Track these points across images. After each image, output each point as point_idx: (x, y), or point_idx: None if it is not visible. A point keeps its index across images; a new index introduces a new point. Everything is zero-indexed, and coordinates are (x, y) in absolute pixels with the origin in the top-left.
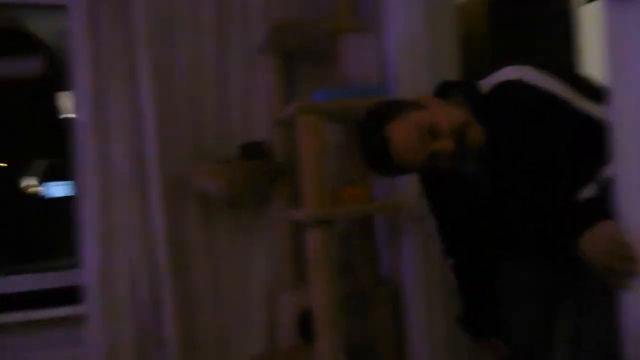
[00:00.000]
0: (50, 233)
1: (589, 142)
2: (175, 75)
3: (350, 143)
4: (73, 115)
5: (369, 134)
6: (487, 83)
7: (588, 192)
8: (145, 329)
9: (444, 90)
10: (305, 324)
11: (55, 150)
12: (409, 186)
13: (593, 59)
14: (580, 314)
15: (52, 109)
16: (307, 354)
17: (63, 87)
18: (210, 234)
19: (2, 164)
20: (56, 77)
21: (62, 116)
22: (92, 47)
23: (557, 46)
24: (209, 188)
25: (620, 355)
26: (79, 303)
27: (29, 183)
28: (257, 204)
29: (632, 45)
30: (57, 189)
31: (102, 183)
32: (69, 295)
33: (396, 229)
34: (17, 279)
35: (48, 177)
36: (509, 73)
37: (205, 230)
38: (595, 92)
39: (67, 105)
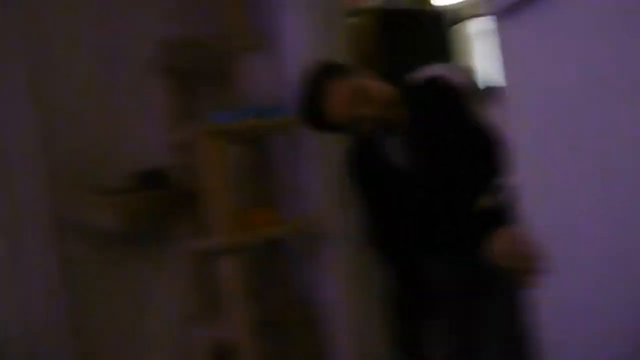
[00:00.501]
0: None
1: (491, 147)
2: (55, 97)
3: (254, 164)
4: None
5: (309, 87)
6: (416, 77)
7: (491, 198)
8: None
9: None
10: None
11: None
12: (319, 203)
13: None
14: (494, 309)
15: None
16: None
17: None
18: (105, 271)
19: None
20: None
21: None
22: None
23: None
24: (100, 222)
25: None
26: None
27: None
28: (157, 236)
29: (523, 57)
30: None
31: None
32: None
33: (309, 249)
34: None
35: None
36: (436, 70)
37: (99, 268)
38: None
39: None
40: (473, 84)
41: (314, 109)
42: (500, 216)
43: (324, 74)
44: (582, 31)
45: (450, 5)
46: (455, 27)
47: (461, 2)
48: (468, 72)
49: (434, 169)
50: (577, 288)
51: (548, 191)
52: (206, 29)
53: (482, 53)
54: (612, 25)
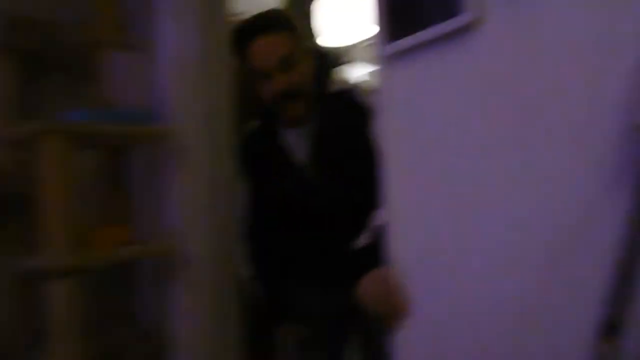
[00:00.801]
0: None
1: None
2: None
3: (110, 174)
4: None
5: (239, 36)
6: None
7: (364, 238)
8: None
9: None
10: None
11: None
12: (180, 223)
13: None
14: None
15: None
16: None
17: None
18: None
19: None
20: None
21: None
22: None
23: None
24: None
25: None
26: None
27: None
28: None
29: (405, 103)
30: None
31: None
32: None
33: (164, 274)
34: None
35: None
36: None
37: None
38: None
39: None
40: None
41: (244, 37)
42: (373, 255)
43: (257, 26)
44: (457, 88)
45: (336, 46)
46: (339, 69)
47: (348, 45)
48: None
49: (333, 178)
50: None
51: (418, 225)
52: (73, 15)
53: None
54: (483, 89)
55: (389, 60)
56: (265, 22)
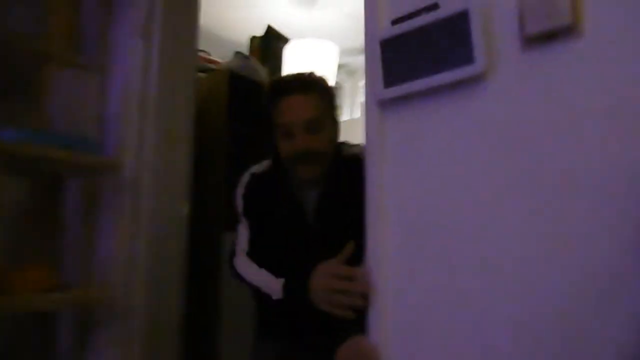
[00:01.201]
0: None
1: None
2: None
3: (38, 206)
4: None
5: (272, 90)
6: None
7: None
8: None
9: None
10: None
11: None
12: (113, 269)
13: None
14: None
15: None
16: None
17: None
18: None
19: None
20: None
21: None
22: None
23: None
24: None
25: None
26: None
27: None
28: None
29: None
30: None
31: None
32: None
33: (91, 326)
34: None
35: None
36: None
37: None
38: None
39: None
40: None
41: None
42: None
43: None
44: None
45: None
46: None
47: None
48: None
49: (338, 237)
50: None
51: (411, 288)
52: (20, 22)
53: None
54: (491, 142)
55: (383, 106)
56: (301, 82)
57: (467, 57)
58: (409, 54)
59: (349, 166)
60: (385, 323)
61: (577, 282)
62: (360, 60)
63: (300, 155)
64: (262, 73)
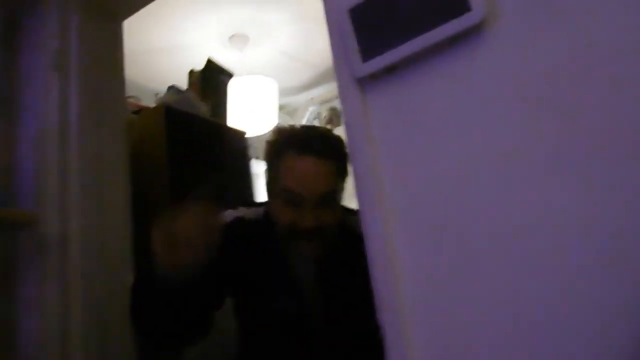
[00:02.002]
0: None
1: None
2: None
3: None
4: None
5: (283, 141)
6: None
7: None
8: None
9: None
10: None
11: None
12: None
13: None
14: None
15: None
16: None
17: None
18: None
19: None
20: None
21: None
22: None
23: (232, 167)
24: None
25: None
26: None
27: None
28: None
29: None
30: None
31: None
32: None
33: None
34: None
35: None
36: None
37: None
38: None
39: None
40: None
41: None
42: None
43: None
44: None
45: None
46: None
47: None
48: None
49: (337, 312)
50: None
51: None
52: None
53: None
54: (501, 104)
55: (363, 85)
56: (322, 142)
57: (460, 6)
58: (387, 17)
59: (350, 239)
60: (409, 341)
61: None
62: (299, 99)
63: (306, 231)
64: (202, 107)
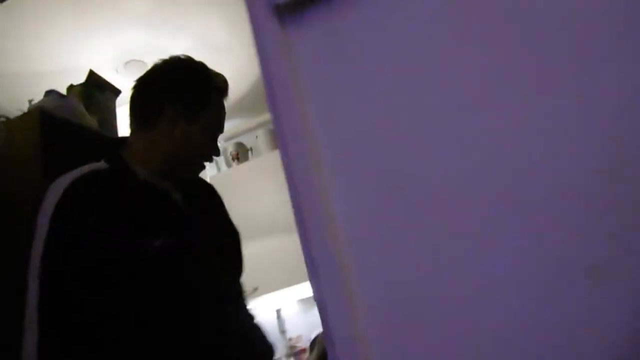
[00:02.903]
0: None
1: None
2: None
3: None
4: None
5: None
6: None
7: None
8: None
9: None
10: None
11: None
12: None
13: None
14: None
15: None
16: None
17: None
18: None
19: None
20: None
21: None
22: None
23: None
24: None
25: None
26: None
27: None
28: None
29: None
30: None
31: None
32: None
33: None
34: None
35: None
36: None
37: None
38: None
39: None
40: None
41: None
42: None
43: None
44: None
45: None
46: None
47: None
48: None
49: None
50: None
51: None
52: None
53: None
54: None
55: (282, 14)
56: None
57: None
58: None
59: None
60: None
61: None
62: None
63: (210, 159)
64: (89, 120)
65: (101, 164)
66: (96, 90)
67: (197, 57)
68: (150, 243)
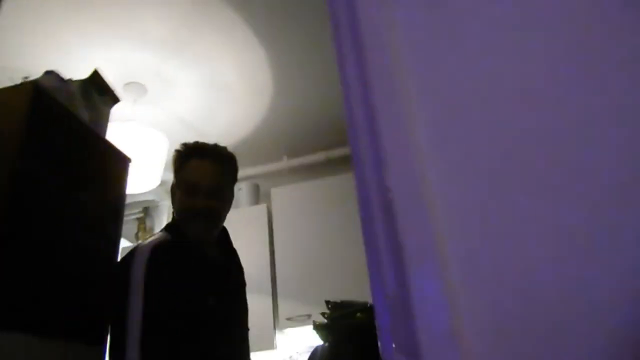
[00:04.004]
0: None
1: None
2: None
3: None
4: None
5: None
6: None
7: None
8: None
9: None
10: None
11: None
12: None
13: None
14: None
15: None
16: None
17: None
18: None
19: None
20: None
21: None
22: None
23: None
24: None
25: None
26: None
27: None
28: None
29: None
30: None
31: None
32: None
33: None
34: None
35: None
36: None
37: None
38: None
39: None
40: None
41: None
42: None
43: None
44: None
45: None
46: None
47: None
48: None
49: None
50: None
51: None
52: None
53: None
54: None
55: None
56: (215, 151)
57: None
58: None
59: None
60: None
61: None
62: None
63: (199, 211)
64: (85, 113)
65: (166, 235)
66: (96, 90)
67: (200, 94)
68: (206, 301)
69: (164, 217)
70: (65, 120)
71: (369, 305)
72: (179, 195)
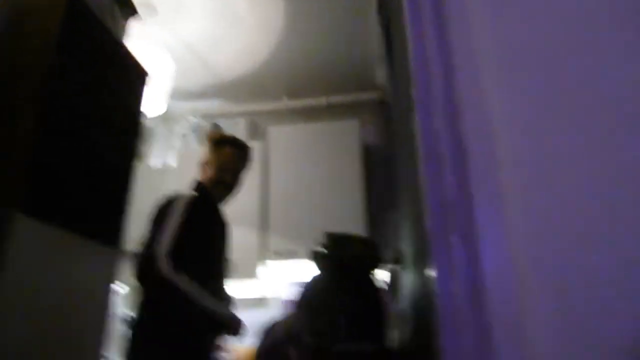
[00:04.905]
0: None
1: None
2: None
3: None
4: None
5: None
6: None
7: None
8: None
9: None
10: None
11: None
12: None
13: None
14: None
15: None
16: None
17: None
18: None
19: None
20: None
21: None
22: None
23: None
24: None
25: None
26: None
27: None
28: None
29: None
30: None
31: None
32: None
33: None
34: None
35: None
36: None
37: None
38: None
39: None
40: None
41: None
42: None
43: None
44: None
45: None
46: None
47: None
48: None
49: None
50: None
51: None
52: None
53: None
54: None
55: None
56: (241, 143)
57: None
58: None
59: None
60: None
61: None
62: (176, 106)
63: (226, 185)
64: (110, 22)
65: (196, 193)
66: (118, 1)
67: (209, 23)
68: (215, 237)
69: (158, 144)
70: (95, 26)
71: (368, 239)
72: (211, 169)
